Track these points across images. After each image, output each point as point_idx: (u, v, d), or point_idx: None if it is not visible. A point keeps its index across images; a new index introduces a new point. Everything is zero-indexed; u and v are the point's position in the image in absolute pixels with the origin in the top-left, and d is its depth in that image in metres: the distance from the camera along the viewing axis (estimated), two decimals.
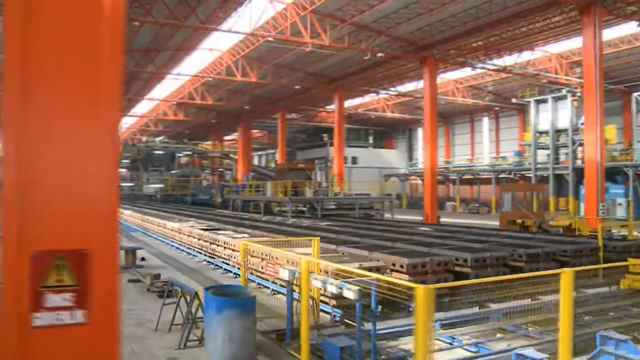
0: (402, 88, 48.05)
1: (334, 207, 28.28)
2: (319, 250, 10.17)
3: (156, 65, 40.45)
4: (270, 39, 31.48)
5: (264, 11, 30.03)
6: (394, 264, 10.62)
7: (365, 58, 34.45)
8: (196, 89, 48.70)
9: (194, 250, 17.64)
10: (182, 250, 18.87)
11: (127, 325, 8.59)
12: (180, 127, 72.30)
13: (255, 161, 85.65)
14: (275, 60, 39.09)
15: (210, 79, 44.24)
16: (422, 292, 4.83)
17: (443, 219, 33.77)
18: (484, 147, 55.77)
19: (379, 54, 33.10)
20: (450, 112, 57.50)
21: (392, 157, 63.94)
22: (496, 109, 52.33)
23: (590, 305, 9.78)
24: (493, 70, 38.37)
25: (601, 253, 12.90)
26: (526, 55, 37.70)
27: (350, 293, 7.12)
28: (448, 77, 46.14)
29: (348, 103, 55.31)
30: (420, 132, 64.79)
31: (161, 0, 27.33)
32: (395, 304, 9.20)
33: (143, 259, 16.79)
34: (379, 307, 10.01)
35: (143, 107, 62.39)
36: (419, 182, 58.40)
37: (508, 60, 37.14)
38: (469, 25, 30.16)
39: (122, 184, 62.34)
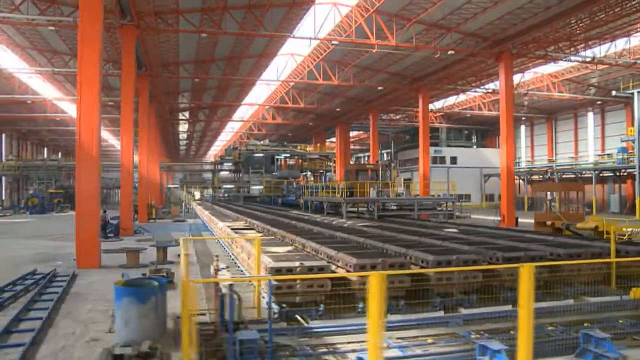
0: (492, 85, 46.16)
1: (395, 207, 28.10)
2: (259, 248, 10.52)
3: (242, 73, 42.41)
4: (335, 42, 31.80)
5: (327, 16, 30.51)
6: (347, 264, 10.72)
7: (436, 56, 33.72)
8: (287, 93, 50.34)
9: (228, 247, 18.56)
10: (224, 247, 19.89)
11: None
12: (284, 130, 75.06)
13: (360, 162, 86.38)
14: (356, 62, 39.41)
15: (300, 84, 45.51)
16: (376, 279, 5.05)
17: (527, 221, 32.09)
18: (589, 144, 51.89)
19: (450, 52, 32.27)
20: (552, 108, 54.26)
21: (494, 156, 61.30)
22: (599, 102, 48.53)
23: (584, 314, 9.25)
24: (582, 62, 35.82)
25: (613, 259, 11.88)
26: (620, 44, 34.73)
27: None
28: (543, 71, 43.74)
29: (441, 103, 54.29)
30: (522, 130, 61.72)
31: (228, 13, 28.96)
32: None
33: (179, 255, 18.02)
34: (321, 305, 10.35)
35: (245, 112, 65.57)
36: (521, 182, 55.74)
37: (601, 50, 34.53)
38: (540, 17, 28.55)
39: (226, 186, 66.07)
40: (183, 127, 73.91)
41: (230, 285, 8.84)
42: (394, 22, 30.57)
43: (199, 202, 59.19)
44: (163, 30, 29.21)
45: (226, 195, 62.21)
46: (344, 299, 10.50)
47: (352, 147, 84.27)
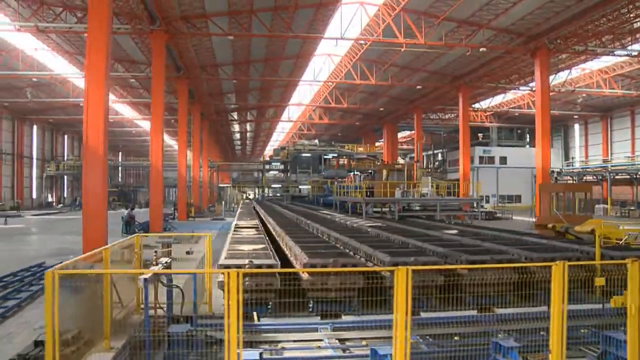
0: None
1: (418, 208, 27.67)
2: (210, 246, 10.76)
3: (281, 74, 42.90)
4: (363, 42, 31.71)
5: (353, 16, 30.46)
6: (301, 262, 10.78)
7: (468, 54, 32.99)
8: (330, 94, 50.54)
9: None
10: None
11: None
12: (334, 130, 75.33)
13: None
14: (392, 61, 39.05)
15: (342, 84, 45.58)
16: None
17: None
18: None
19: (482, 49, 31.47)
20: (607, 105, 51.79)
21: None
22: None
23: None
24: (630, 57, 34.02)
25: (598, 262, 11.33)
26: None
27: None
28: (592, 67, 41.88)
29: (488, 102, 52.99)
30: (577, 129, 59.22)
31: (255, 16, 29.46)
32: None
33: (187, 252, 18.63)
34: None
35: (294, 113, 66.22)
36: (574, 182, 53.47)
37: None
38: (573, 10, 27.41)
39: (274, 185, 66.95)
40: (235, 127, 75.47)
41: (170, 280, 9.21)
42: (423, 20, 30.11)
43: (247, 201, 60.34)
44: (191, 34, 30.01)
45: (277, 194, 63.11)
46: (296, 297, 10.63)
47: (405, 146, 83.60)
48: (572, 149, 58.80)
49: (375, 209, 29.55)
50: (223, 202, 47.52)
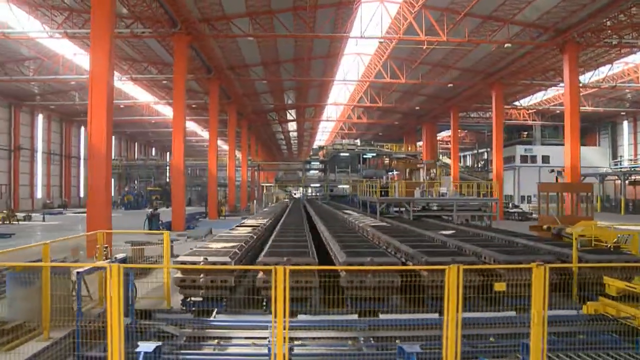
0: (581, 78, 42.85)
1: (436, 208, 27.17)
2: (167, 243, 10.99)
3: (312, 74, 43.03)
4: (381, 40, 31.47)
5: (373, 14, 30.21)
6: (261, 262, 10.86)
7: (493, 49, 32.23)
8: (366, 93, 50.36)
9: None
10: None
11: None
12: (376, 129, 75.00)
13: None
14: (422, 60, 38.50)
15: (377, 83, 45.34)
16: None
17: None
18: None
19: (507, 45, 30.64)
20: None
21: (593, 155, 56.89)
22: None
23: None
24: None
25: (575, 265, 10.87)
26: None
27: None
28: (635, 61, 40.03)
29: (527, 100, 51.53)
30: (625, 126, 56.63)
31: (275, 17, 29.76)
32: None
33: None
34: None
35: (332, 112, 66.34)
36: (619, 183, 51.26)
37: None
38: (599, 2, 26.29)
39: (313, 185, 67.20)
40: (278, 127, 76.19)
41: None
42: (445, 17, 29.59)
43: (287, 200, 60.84)
44: (212, 36, 30.54)
45: (318, 193, 63.38)
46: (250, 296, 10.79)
47: (447, 145, 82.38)
48: (621, 147, 56.29)
49: (396, 209, 29.30)
50: (255, 201, 47.97)
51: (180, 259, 10.86)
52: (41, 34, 30.29)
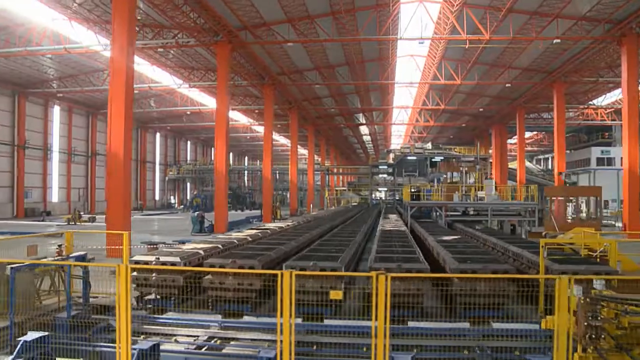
0: None
1: (473, 213, 26.15)
2: (128, 244, 11.44)
3: (367, 78, 42.86)
4: (421, 41, 30.82)
5: (412, 15, 29.68)
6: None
7: (547, 47, 30.64)
8: (427, 96, 49.52)
9: None
10: None
11: None
12: (448, 132, 73.47)
13: (530, 164, 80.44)
14: (476, 59, 37.29)
15: (438, 85, 44.46)
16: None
17: None
18: None
19: (555, 41, 29.05)
20: None
21: None
22: None
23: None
24: None
25: (542, 276, 10.17)
26: None
27: None
28: None
29: (601, 100, 48.49)
30: None
31: (315, 22, 30.04)
32: None
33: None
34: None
35: (399, 116, 65.55)
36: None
37: None
38: None
39: (380, 189, 66.65)
40: (349, 131, 76.36)
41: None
42: (488, 15, 28.60)
43: (354, 204, 61.00)
44: (253, 43, 31.19)
45: (390, 197, 62.95)
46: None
47: (529, 148, 79.07)
48: None
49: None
50: (311, 205, 48.42)
51: (135, 258, 11.33)
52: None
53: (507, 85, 40.81)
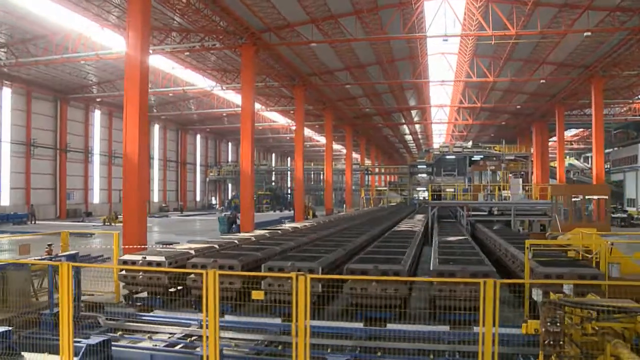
0: None
1: (497, 212, 25.53)
2: (117, 241, 11.78)
3: (400, 76, 42.48)
4: (446, 39, 30.31)
5: (437, 12, 29.23)
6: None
7: (582, 40, 29.63)
8: (463, 94, 48.74)
9: None
10: None
11: None
12: (489, 130, 72.04)
13: (578, 162, 77.90)
14: (507, 56, 36.43)
15: (474, 82, 43.75)
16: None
17: None
18: None
19: (586, 33, 27.99)
20: None
21: None
22: None
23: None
24: None
25: (528, 279, 9.88)
26: None
27: None
28: None
29: None
30: None
31: (338, 22, 30.04)
32: None
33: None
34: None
35: (444, 115, 64.64)
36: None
37: None
38: None
39: (418, 188, 65.85)
40: (388, 131, 75.88)
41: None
42: (514, 10, 27.88)
43: (392, 204, 60.55)
44: (278, 44, 31.41)
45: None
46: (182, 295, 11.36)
47: (575, 145, 76.77)
48: None
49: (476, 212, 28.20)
50: (345, 206, 48.34)
51: (123, 257, 11.66)
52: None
53: (541, 81, 39.65)
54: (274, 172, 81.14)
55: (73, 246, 16.86)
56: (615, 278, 9.95)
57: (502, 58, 36.72)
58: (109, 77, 42.12)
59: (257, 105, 52.80)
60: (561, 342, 6.05)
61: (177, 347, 8.98)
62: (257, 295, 7.08)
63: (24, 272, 10.72)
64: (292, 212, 46.54)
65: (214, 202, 71.33)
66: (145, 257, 11.24)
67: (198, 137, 68.10)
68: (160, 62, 39.01)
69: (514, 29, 27.78)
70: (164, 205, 57.98)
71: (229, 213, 32.54)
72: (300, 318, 5.68)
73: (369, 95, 51.23)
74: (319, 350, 8.56)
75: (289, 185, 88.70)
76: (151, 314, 10.71)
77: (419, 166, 65.02)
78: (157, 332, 9.81)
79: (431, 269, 10.00)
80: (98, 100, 46.64)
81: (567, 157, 73.31)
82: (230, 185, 74.47)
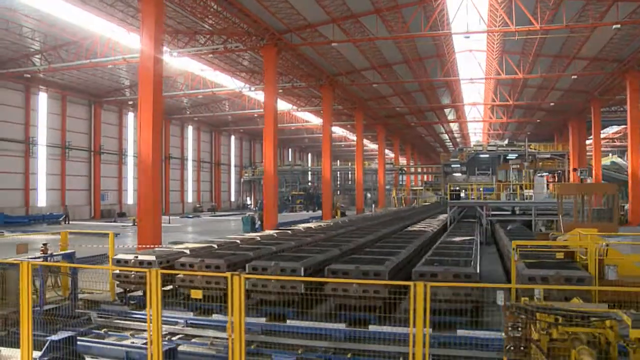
0: None
1: (518, 212, 24.97)
2: (112, 245, 12.06)
3: (428, 75, 42.00)
4: (467, 36, 29.77)
5: (458, 8, 28.71)
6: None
7: (615, 34, 28.74)
8: (495, 91, 47.90)
9: None
10: None
11: None
12: (526, 128, 70.59)
13: (621, 160, 75.27)
14: (536, 52, 35.55)
15: (506, 80, 42.98)
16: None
17: None
18: None
19: (615, 26, 27.01)
20: None
21: None
22: None
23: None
24: None
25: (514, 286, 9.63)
26: None
27: None
28: None
29: None
30: None
31: (358, 21, 29.96)
32: None
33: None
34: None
35: (479, 113, 63.62)
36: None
37: None
38: None
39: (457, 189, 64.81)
40: (422, 130, 75.13)
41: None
42: (539, 3, 27.20)
43: (426, 203, 59.96)
44: (297, 45, 31.52)
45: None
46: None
47: (618, 143, 74.45)
48: None
49: (496, 212, 27.77)
50: (373, 205, 48.09)
51: (117, 256, 11.91)
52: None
53: (573, 77, 38.52)
54: (309, 172, 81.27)
55: (91, 245, 17.43)
56: (612, 281, 9.61)
57: (530, 54, 35.87)
58: None
59: (288, 105, 53.22)
60: (522, 348, 5.89)
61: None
62: (195, 294, 7.17)
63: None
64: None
65: (248, 202, 72.06)
66: (137, 257, 11.44)
67: (232, 138, 68.96)
68: (190, 64, 39.73)
69: (538, 24, 27.12)
70: (197, 205, 58.97)
71: (252, 213, 32.85)
72: (235, 315, 5.74)
73: (400, 94, 50.85)
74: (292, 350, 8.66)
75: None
76: (142, 312, 10.91)
77: (452, 165, 64.26)
78: (144, 330, 9.97)
79: (414, 270, 9.83)
80: (130, 102, 47.73)
81: (610, 154, 71.00)
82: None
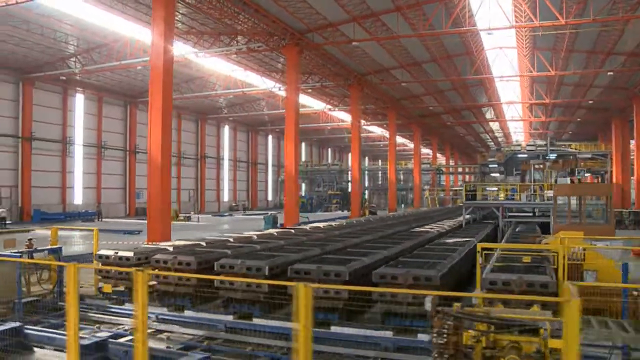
0: None
1: (539, 214, 24.18)
2: (97, 238, 12.40)
3: (459, 73, 41.28)
4: (490, 32, 29.05)
5: (481, 4, 28.09)
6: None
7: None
8: (531, 89, 46.71)
9: None
10: None
11: None
12: (568, 127, 68.58)
13: None
14: (568, 48, 34.41)
15: (540, 77, 41.80)
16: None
17: None
18: None
19: None
20: None
21: None
22: None
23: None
24: None
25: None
26: None
27: None
28: None
29: None
30: None
31: (378, 19, 29.80)
32: None
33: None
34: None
35: (517, 112, 62.09)
36: None
37: None
38: None
39: (489, 189, 63.42)
40: (460, 129, 73.88)
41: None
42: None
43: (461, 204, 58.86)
44: (322, 44, 31.54)
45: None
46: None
47: None
48: None
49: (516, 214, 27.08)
50: (403, 205, 47.59)
51: (99, 252, 12.25)
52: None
53: (609, 73, 37.05)
54: (349, 172, 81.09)
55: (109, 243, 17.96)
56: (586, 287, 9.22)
57: (562, 50, 34.73)
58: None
59: (321, 104, 53.30)
60: (447, 356, 5.76)
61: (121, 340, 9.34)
62: (107, 288, 7.31)
63: (10, 265, 11.54)
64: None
65: None
66: (117, 252, 11.75)
67: (269, 137, 69.58)
68: (219, 64, 40.33)
69: (563, 19, 26.25)
70: (234, 204, 59.78)
71: (276, 212, 33.08)
72: (138, 311, 5.83)
73: (432, 93, 50.22)
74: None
75: (365, 184, 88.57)
76: (120, 306, 11.21)
77: (490, 165, 62.76)
78: (118, 324, 10.27)
79: (375, 271, 9.73)
80: None
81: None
82: (303, 185, 75.45)
